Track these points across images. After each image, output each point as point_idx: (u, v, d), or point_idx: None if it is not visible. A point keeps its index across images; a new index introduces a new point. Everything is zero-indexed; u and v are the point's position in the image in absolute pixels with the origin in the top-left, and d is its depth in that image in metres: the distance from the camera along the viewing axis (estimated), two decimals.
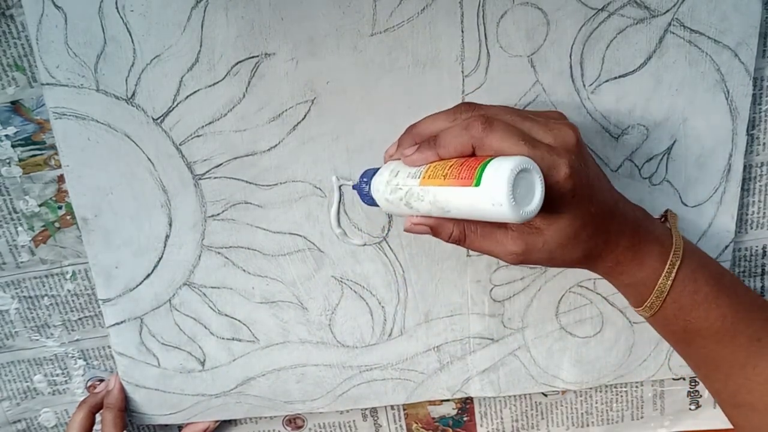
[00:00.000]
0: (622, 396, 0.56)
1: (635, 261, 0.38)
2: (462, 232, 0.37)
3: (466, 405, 0.57)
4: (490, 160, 0.32)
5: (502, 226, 0.36)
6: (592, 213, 0.35)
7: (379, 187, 0.41)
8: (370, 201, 0.42)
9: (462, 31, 0.43)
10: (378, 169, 0.42)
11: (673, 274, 0.38)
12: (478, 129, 0.34)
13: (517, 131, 0.34)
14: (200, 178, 0.47)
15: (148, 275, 0.49)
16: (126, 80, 0.44)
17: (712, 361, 0.40)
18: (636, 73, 0.45)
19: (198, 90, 0.45)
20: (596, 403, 0.56)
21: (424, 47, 0.44)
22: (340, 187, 0.47)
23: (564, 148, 0.34)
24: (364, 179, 0.43)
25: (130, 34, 0.43)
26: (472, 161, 0.34)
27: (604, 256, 0.38)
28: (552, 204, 0.34)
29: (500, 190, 0.31)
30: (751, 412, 0.40)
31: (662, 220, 0.43)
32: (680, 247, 0.39)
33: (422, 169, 0.37)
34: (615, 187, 0.39)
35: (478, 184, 0.32)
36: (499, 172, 0.31)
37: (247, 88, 0.45)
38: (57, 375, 0.55)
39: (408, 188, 0.37)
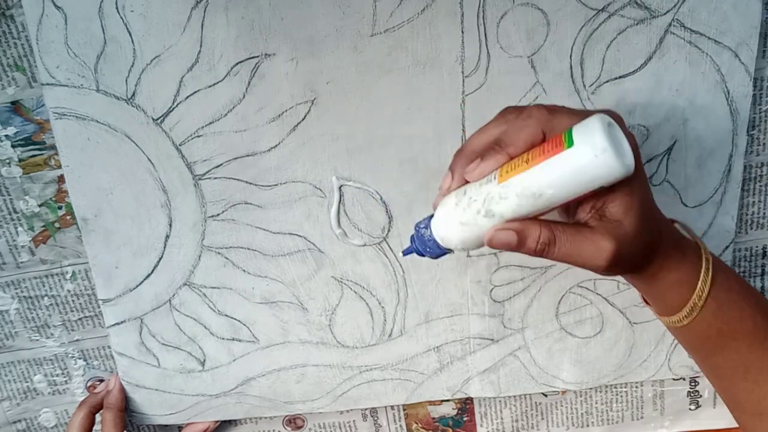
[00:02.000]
0: (622, 396, 0.56)
1: (680, 257, 0.37)
2: (551, 231, 0.33)
3: (466, 405, 0.57)
4: (571, 128, 0.31)
5: (585, 225, 0.34)
6: (649, 197, 0.35)
7: (447, 216, 0.35)
8: (434, 247, 0.37)
9: (462, 32, 0.43)
10: (431, 216, 0.37)
11: (711, 272, 0.37)
12: (544, 113, 0.33)
13: (579, 110, 0.33)
14: (200, 179, 0.47)
15: (148, 275, 0.49)
16: (126, 80, 0.44)
17: (741, 367, 0.40)
18: (636, 73, 0.45)
19: (198, 90, 0.45)
20: (596, 403, 0.56)
21: (424, 48, 0.44)
22: (340, 187, 0.47)
23: (620, 124, 0.33)
24: (421, 225, 0.37)
25: (130, 35, 0.43)
26: (550, 141, 0.32)
27: (658, 251, 0.36)
28: (624, 188, 0.32)
29: (600, 136, 0.29)
30: None
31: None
32: (706, 247, 0.38)
33: (494, 174, 0.34)
34: None
35: (571, 145, 0.30)
36: (591, 124, 0.30)
37: (247, 89, 0.45)
38: (57, 375, 0.55)
39: (485, 194, 0.33)
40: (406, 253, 0.39)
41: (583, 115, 0.33)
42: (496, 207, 0.33)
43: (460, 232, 0.35)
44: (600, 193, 0.32)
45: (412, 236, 0.38)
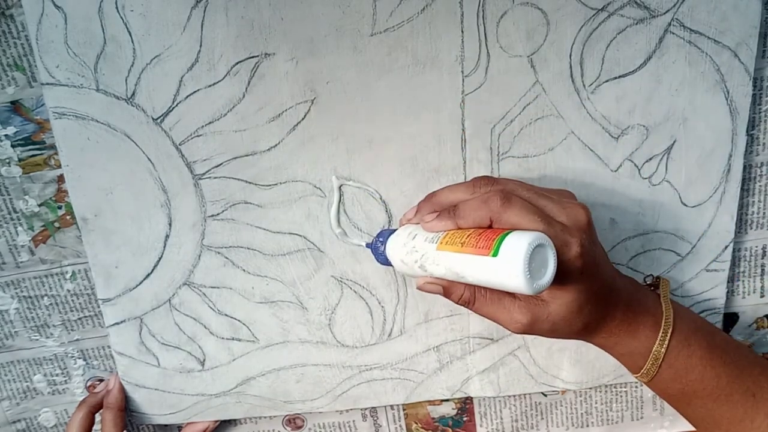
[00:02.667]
0: (621, 396, 0.56)
1: (629, 332, 0.40)
2: (472, 295, 0.38)
3: (465, 405, 0.57)
4: (507, 233, 0.34)
5: (510, 294, 0.38)
6: (595, 290, 0.38)
7: (395, 247, 0.42)
8: (383, 260, 0.44)
9: (462, 31, 0.43)
10: (393, 230, 0.44)
11: (666, 342, 0.40)
12: (497, 204, 0.36)
13: (533, 208, 0.36)
14: (200, 178, 0.47)
15: (148, 275, 0.49)
16: (126, 80, 0.44)
17: (710, 418, 0.42)
18: (636, 73, 0.45)
19: (198, 90, 0.45)
20: (596, 403, 0.56)
21: (424, 47, 0.44)
22: (340, 187, 0.47)
23: (576, 227, 0.37)
24: (380, 239, 0.44)
25: (130, 34, 0.43)
26: (489, 233, 0.35)
27: (600, 329, 0.40)
28: (560, 279, 0.36)
29: (517, 262, 0.32)
30: None
31: (653, 281, 0.45)
32: (670, 316, 0.41)
33: (439, 236, 0.39)
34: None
35: (495, 255, 0.34)
36: (517, 245, 0.33)
37: (247, 88, 0.45)
38: (57, 375, 0.55)
39: (424, 252, 0.39)
40: (367, 246, 0.47)
41: (536, 217, 0.35)
42: (429, 267, 0.39)
43: (400, 266, 0.42)
44: None
45: (374, 239, 0.46)
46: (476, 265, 0.35)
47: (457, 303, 0.39)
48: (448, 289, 0.39)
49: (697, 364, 0.40)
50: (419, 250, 0.40)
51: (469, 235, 0.36)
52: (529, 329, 0.38)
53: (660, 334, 0.40)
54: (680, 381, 0.41)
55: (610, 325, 0.40)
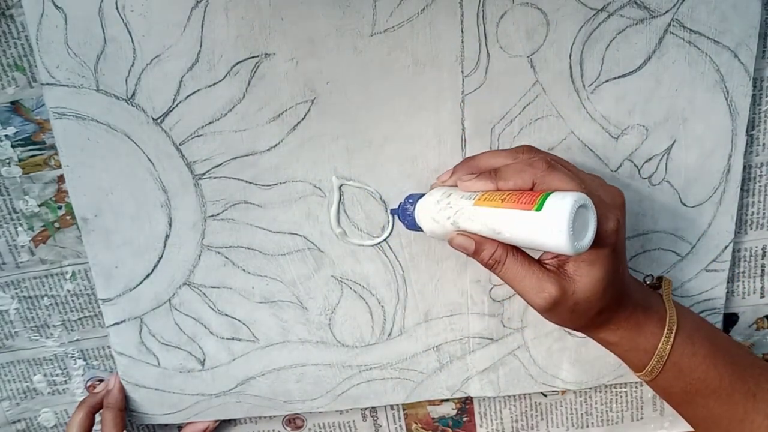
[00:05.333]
0: (621, 396, 0.56)
1: (636, 328, 0.40)
2: (504, 253, 0.37)
3: (465, 405, 0.57)
4: (551, 192, 0.34)
5: (539, 262, 0.38)
6: (618, 275, 0.37)
7: (426, 206, 0.41)
8: (410, 222, 0.43)
9: (462, 32, 0.43)
10: (422, 195, 0.43)
11: (671, 339, 0.40)
12: (542, 167, 0.36)
13: (576, 177, 0.36)
14: (200, 178, 0.47)
15: (148, 275, 0.50)
16: (126, 80, 0.44)
17: (711, 418, 0.42)
18: (636, 73, 0.45)
19: (198, 90, 0.45)
20: (596, 403, 0.56)
21: (424, 47, 0.44)
22: (340, 187, 0.47)
23: (614, 205, 0.37)
24: (410, 200, 0.44)
25: (130, 34, 0.43)
26: (531, 192, 0.35)
27: (610, 321, 0.40)
28: (592, 254, 0.35)
29: (562, 218, 0.32)
30: None
31: (653, 281, 0.46)
32: (674, 314, 0.41)
33: (476, 195, 0.38)
34: None
35: (539, 209, 0.33)
36: (563, 201, 0.32)
37: (247, 88, 0.45)
38: (57, 375, 0.55)
39: (459, 208, 0.38)
40: (392, 212, 0.47)
41: (578, 184, 0.35)
42: (463, 223, 0.38)
43: (431, 224, 0.41)
44: None
45: (401, 203, 0.45)
46: (517, 220, 0.34)
47: (485, 263, 0.38)
48: (479, 245, 0.38)
49: (701, 363, 0.40)
50: (454, 207, 0.39)
51: (509, 193, 0.36)
52: (556, 304, 0.37)
53: (665, 331, 0.40)
54: (683, 380, 0.41)
55: (619, 318, 0.39)
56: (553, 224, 0.32)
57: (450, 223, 0.39)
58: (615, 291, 0.38)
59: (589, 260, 0.36)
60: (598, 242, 0.35)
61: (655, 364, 0.40)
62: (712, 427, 0.42)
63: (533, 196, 0.34)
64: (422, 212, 0.42)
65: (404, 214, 0.44)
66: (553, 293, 0.36)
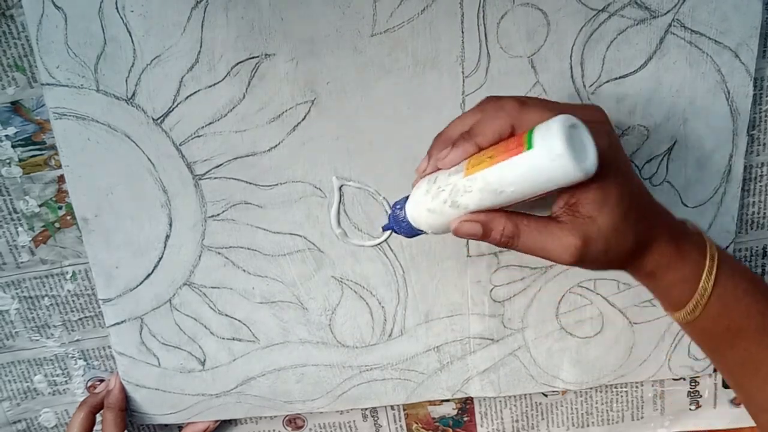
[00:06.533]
0: (622, 396, 0.56)
1: (679, 255, 0.37)
2: (515, 225, 0.34)
3: (466, 405, 0.57)
4: (534, 128, 0.31)
5: (553, 219, 0.35)
6: (635, 194, 0.35)
7: (417, 201, 0.38)
8: (407, 228, 0.39)
9: (462, 32, 0.43)
10: (406, 197, 0.40)
11: (714, 269, 0.37)
12: (515, 107, 0.34)
13: (552, 104, 0.34)
14: (200, 179, 0.47)
15: (149, 275, 0.50)
16: (126, 80, 0.44)
17: (751, 363, 0.39)
18: (636, 73, 0.45)
19: (198, 90, 0.45)
20: (596, 403, 0.57)
21: (424, 48, 0.44)
22: (340, 187, 0.47)
23: (597, 121, 0.34)
24: (398, 206, 0.40)
25: (130, 35, 0.43)
26: (515, 137, 0.33)
27: (652, 247, 0.36)
28: (596, 183, 0.33)
29: (557, 141, 0.29)
30: None
31: None
32: (713, 243, 0.38)
33: (462, 165, 0.35)
34: None
35: (531, 147, 0.30)
36: (550, 128, 0.30)
37: (247, 89, 0.45)
38: (57, 375, 0.55)
39: (452, 186, 0.35)
40: (385, 228, 0.43)
41: (555, 110, 0.33)
42: (461, 199, 0.34)
43: (429, 218, 0.37)
44: (573, 189, 0.32)
45: (389, 214, 0.41)
46: (514, 167, 0.31)
47: (499, 242, 0.35)
48: (487, 225, 0.35)
49: (743, 296, 0.37)
50: (445, 188, 0.35)
51: (494, 148, 0.33)
52: (584, 253, 0.34)
53: (707, 259, 0.37)
54: (727, 316, 0.38)
55: (660, 243, 0.36)
56: (552, 152, 0.30)
57: (448, 206, 0.35)
58: (642, 210, 0.35)
59: (597, 190, 0.33)
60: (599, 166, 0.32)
61: (699, 297, 0.37)
62: (751, 374, 0.39)
63: (519, 138, 0.32)
64: (415, 210, 0.38)
65: (397, 222, 0.40)
66: (578, 244, 0.33)
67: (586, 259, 0.34)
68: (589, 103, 0.36)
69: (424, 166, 0.38)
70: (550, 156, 0.30)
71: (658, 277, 0.38)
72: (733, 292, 0.37)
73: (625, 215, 0.34)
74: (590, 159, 0.30)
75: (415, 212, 0.38)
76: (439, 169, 0.37)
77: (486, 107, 0.36)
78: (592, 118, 0.34)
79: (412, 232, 0.39)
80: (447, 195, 0.35)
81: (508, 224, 0.34)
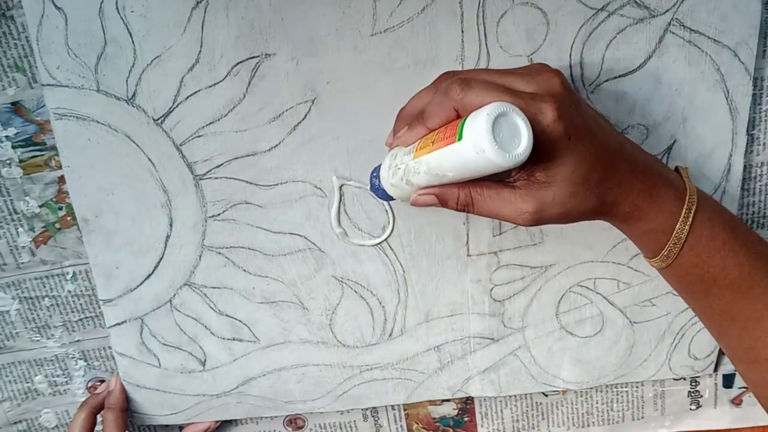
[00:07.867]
0: (622, 396, 0.56)
1: (653, 204, 0.37)
2: (468, 195, 0.36)
3: (466, 405, 0.57)
4: (467, 117, 0.33)
5: (508, 186, 0.35)
6: (596, 155, 0.35)
7: (383, 174, 0.41)
8: (384, 194, 0.42)
9: (462, 31, 0.43)
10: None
11: (690, 219, 0.37)
12: (456, 91, 0.34)
13: (495, 85, 0.34)
14: (201, 179, 0.47)
15: (149, 275, 0.50)
16: (126, 81, 0.44)
17: (728, 313, 0.39)
18: (636, 72, 0.45)
19: (198, 90, 0.45)
20: (597, 403, 0.56)
21: (424, 47, 0.44)
22: (340, 187, 0.47)
23: (548, 93, 0.34)
24: (374, 173, 0.43)
25: (131, 35, 0.43)
26: (453, 124, 0.34)
27: (620, 201, 0.36)
28: (550, 152, 0.33)
29: (480, 136, 0.30)
30: (766, 367, 0.39)
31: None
32: (694, 192, 0.38)
33: (415, 145, 0.38)
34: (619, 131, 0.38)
35: (460, 138, 0.32)
36: (477, 120, 0.31)
37: (247, 89, 0.45)
38: (58, 376, 0.55)
39: (405, 165, 0.38)
40: (371, 189, 0.44)
41: (495, 91, 0.33)
42: (413, 179, 0.37)
43: (393, 191, 0.41)
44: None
45: (371, 176, 0.44)
46: (448, 156, 0.33)
47: (456, 209, 0.37)
48: (442, 196, 0.37)
49: (720, 248, 0.37)
50: (401, 166, 0.38)
51: (437, 132, 0.35)
52: (539, 217, 0.35)
53: (683, 209, 0.37)
54: (701, 266, 0.38)
55: (630, 196, 0.36)
56: (477, 147, 0.31)
57: (405, 183, 0.38)
58: (605, 173, 0.35)
59: (549, 159, 0.34)
60: (546, 140, 0.33)
61: (672, 246, 0.37)
62: (727, 323, 0.40)
63: (453, 127, 0.33)
64: (383, 183, 0.41)
65: (375, 188, 0.43)
66: (531, 209, 0.35)
67: (543, 219, 0.35)
68: (545, 70, 0.36)
69: (390, 140, 0.42)
70: (476, 149, 0.31)
71: (631, 225, 0.38)
72: (708, 243, 0.37)
73: (584, 179, 0.34)
74: (521, 147, 0.31)
75: (386, 185, 0.42)
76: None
77: (438, 87, 0.38)
78: (544, 88, 0.34)
79: (388, 197, 0.43)
80: (402, 173, 0.38)
81: (462, 194, 0.36)
